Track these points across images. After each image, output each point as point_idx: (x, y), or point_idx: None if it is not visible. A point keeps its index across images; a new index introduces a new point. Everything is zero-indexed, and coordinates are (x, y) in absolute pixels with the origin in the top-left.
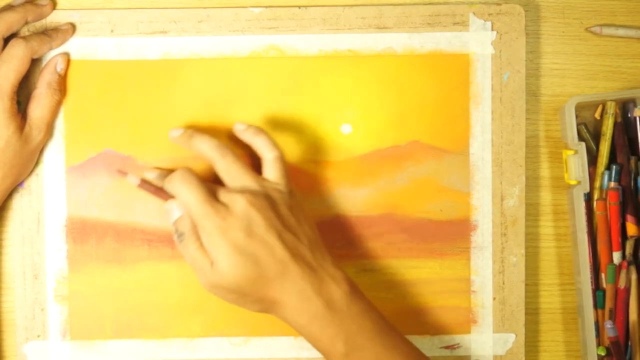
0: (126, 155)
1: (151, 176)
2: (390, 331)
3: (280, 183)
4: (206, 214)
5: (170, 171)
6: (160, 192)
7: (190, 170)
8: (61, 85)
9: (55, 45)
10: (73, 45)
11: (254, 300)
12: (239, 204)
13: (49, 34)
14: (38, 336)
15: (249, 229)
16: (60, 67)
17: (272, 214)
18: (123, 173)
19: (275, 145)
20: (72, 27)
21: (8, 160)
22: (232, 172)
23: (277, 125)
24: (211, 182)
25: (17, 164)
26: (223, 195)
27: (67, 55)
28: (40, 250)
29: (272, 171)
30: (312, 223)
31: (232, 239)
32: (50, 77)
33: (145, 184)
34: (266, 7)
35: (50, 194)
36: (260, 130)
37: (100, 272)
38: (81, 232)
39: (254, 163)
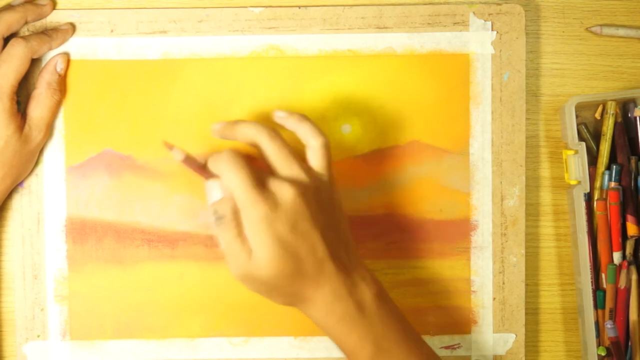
0: (126, 155)
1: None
2: (414, 335)
3: (324, 174)
4: (253, 202)
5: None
6: (204, 170)
7: (238, 152)
8: (61, 85)
9: (55, 45)
10: (73, 45)
11: (283, 293)
12: (289, 195)
13: (49, 33)
14: (38, 336)
15: (295, 223)
16: (60, 67)
17: (318, 209)
18: (169, 146)
19: (321, 132)
20: (72, 27)
21: (8, 160)
22: (282, 157)
23: (277, 125)
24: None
25: (17, 164)
26: (272, 183)
27: (66, 55)
28: (40, 250)
29: (317, 160)
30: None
31: (276, 231)
32: (50, 77)
33: (189, 159)
34: (266, 7)
35: (50, 194)
36: (304, 117)
37: (100, 272)
38: (81, 232)
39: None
